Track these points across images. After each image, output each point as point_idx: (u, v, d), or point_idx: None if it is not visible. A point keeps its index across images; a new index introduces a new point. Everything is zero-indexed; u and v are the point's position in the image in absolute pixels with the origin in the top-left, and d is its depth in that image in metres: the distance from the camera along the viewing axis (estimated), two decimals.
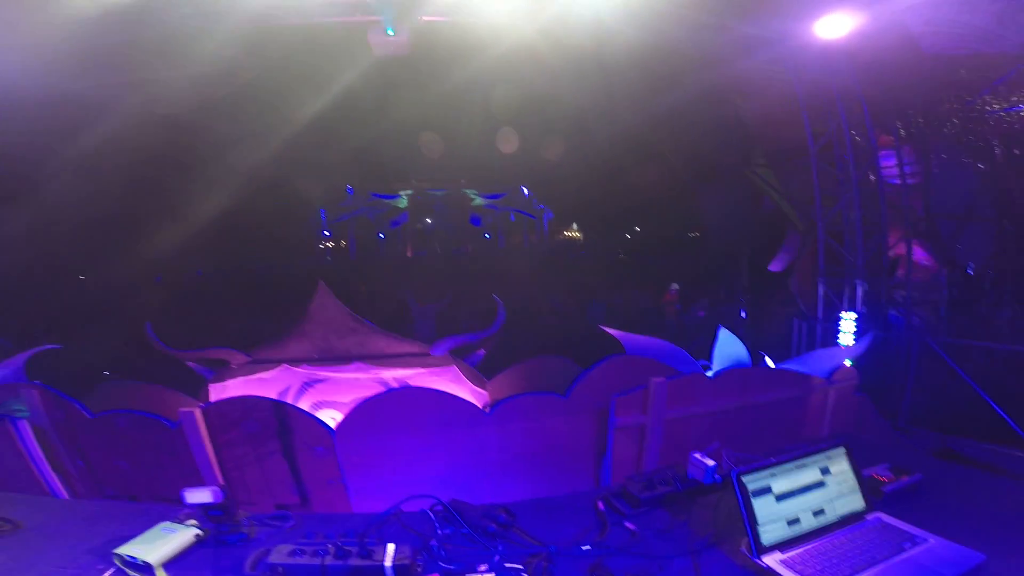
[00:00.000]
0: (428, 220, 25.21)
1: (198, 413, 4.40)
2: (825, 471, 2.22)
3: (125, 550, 2.09)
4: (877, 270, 8.64)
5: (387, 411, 4.71)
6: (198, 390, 6.15)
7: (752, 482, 2.10)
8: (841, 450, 2.28)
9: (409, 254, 24.06)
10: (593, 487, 4.88)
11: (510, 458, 4.94)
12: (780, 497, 2.12)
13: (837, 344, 8.62)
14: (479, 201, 24.90)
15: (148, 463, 4.86)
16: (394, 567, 2.01)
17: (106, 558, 2.14)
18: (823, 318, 9.13)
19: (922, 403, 7.85)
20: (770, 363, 6.88)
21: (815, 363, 5.74)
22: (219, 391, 6.06)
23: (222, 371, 6.35)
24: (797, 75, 8.23)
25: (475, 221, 24.83)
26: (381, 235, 24.35)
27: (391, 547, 2.09)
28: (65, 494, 4.96)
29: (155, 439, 4.67)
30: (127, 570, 2.08)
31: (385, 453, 4.78)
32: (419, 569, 2.06)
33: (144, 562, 2.05)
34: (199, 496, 2.30)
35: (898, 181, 9.11)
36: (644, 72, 9.05)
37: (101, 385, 6.01)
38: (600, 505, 2.54)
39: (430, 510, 2.55)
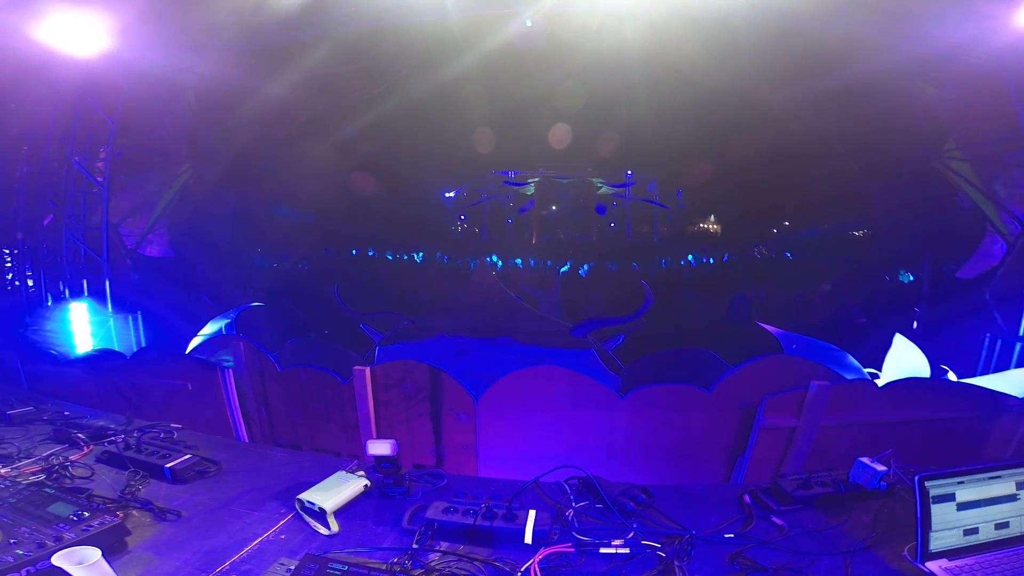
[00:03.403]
0: (553, 207, 25.42)
1: (368, 372, 4.96)
2: (1022, 486, 2.06)
3: (306, 496, 2.42)
4: None
5: (525, 386, 4.95)
6: (366, 351, 6.93)
7: (936, 488, 2.00)
8: None
9: (534, 240, 24.47)
10: (723, 484, 4.71)
11: (638, 445, 4.93)
12: (963, 506, 2.01)
13: None
14: (605, 190, 24.59)
15: (317, 415, 5.54)
16: (534, 532, 2.17)
17: (288, 503, 2.49)
18: None
19: None
20: (953, 377, 6.03)
21: (1012, 382, 4.95)
22: (385, 353, 6.77)
23: (389, 334, 7.09)
24: (1006, 62, 6.98)
25: (600, 210, 24.54)
26: (509, 220, 25.08)
27: (532, 513, 2.25)
28: (246, 438, 5.68)
29: (328, 393, 5.34)
30: (304, 515, 2.40)
31: (517, 426, 5.03)
32: (555, 537, 2.20)
33: (320, 508, 2.36)
34: (380, 448, 2.55)
35: None
36: (796, 54, 8.24)
37: (290, 341, 6.99)
38: (746, 498, 2.49)
39: (565, 482, 2.68)
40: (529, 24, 7.02)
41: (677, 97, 12.01)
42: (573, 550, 2.12)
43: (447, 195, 24.20)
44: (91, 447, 3.07)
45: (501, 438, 5.05)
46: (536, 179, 24.57)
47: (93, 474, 2.74)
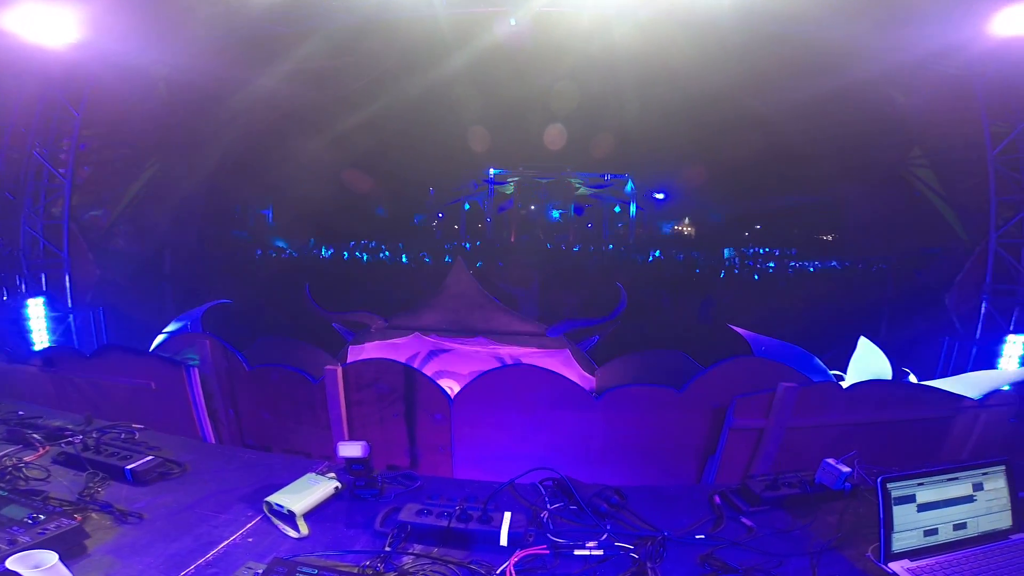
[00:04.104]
0: (532, 207, 25.67)
1: (339, 371, 4.89)
2: (978, 487, 2.14)
3: (274, 499, 2.37)
4: None
5: (501, 386, 4.94)
6: (338, 350, 6.83)
7: (897, 489, 2.05)
8: (1001, 469, 2.17)
9: (512, 239, 24.62)
10: (694, 484, 4.78)
11: (613, 446, 4.97)
12: (923, 507, 2.07)
13: (996, 367, 7.60)
14: (584, 190, 24.94)
15: (288, 416, 5.42)
16: (509, 535, 2.16)
17: (255, 505, 2.44)
18: (981, 338, 8.06)
19: None
20: (914, 379, 6.25)
21: (968, 385, 5.13)
22: (357, 352, 6.68)
23: (361, 334, 7.00)
24: (975, 70, 7.22)
25: (578, 210, 24.88)
26: (488, 219, 25.19)
27: (507, 515, 2.24)
28: (213, 439, 5.51)
29: (299, 393, 5.23)
30: (272, 517, 2.35)
31: (493, 426, 5.01)
32: (531, 539, 2.20)
33: (289, 511, 2.31)
34: (351, 450, 2.52)
35: None
36: (782, 60, 8.41)
37: (259, 340, 6.84)
38: (716, 499, 2.53)
39: (540, 484, 2.68)
40: (513, 23, 7.01)
41: (661, 100, 12.17)
42: (548, 552, 2.12)
43: (425, 193, 24.18)
44: (47, 448, 2.94)
45: (476, 439, 5.03)
46: (516, 178, 24.69)
47: (49, 476, 2.64)
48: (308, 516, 2.37)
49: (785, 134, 12.29)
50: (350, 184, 16.49)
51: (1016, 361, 7.56)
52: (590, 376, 6.69)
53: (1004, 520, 2.16)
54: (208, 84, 9.14)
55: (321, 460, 2.96)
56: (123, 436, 3.09)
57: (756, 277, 16.07)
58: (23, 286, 8.31)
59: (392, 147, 15.78)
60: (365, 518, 2.39)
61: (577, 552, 2.12)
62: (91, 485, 2.54)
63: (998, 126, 7.64)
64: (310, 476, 2.59)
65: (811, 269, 15.68)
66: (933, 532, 2.07)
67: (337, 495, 2.55)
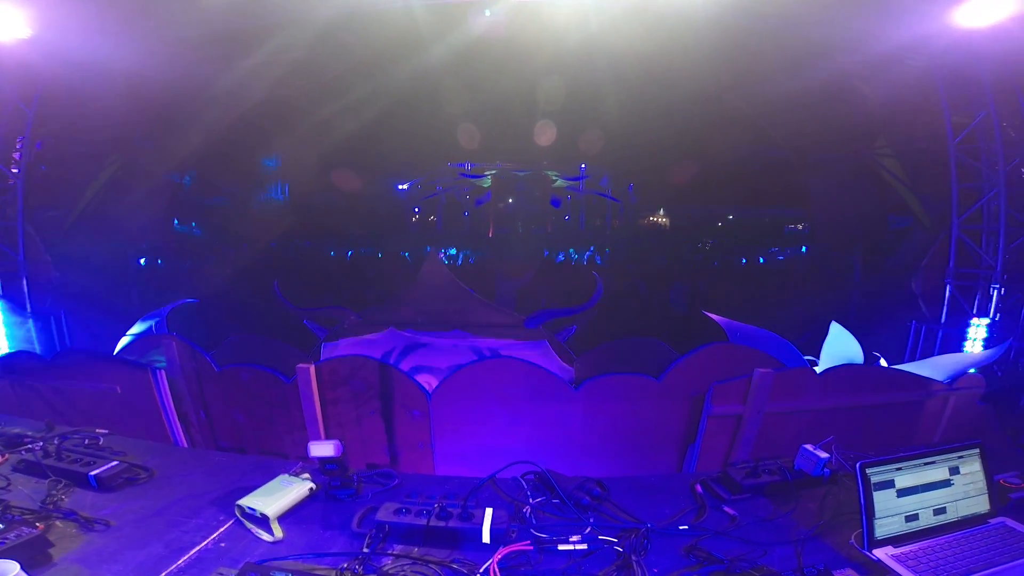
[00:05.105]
0: (510, 200, 25.61)
1: (312, 369, 4.76)
2: (954, 471, 2.16)
3: (246, 502, 2.29)
4: (1017, 275, 7.72)
5: (479, 379, 4.87)
6: (311, 348, 6.69)
7: (876, 475, 2.05)
8: (975, 452, 2.19)
9: (490, 233, 24.56)
10: (675, 474, 4.80)
11: (593, 436, 4.95)
12: (902, 492, 2.08)
13: (962, 351, 7.84)
14: (560, 183, 24.97)
15: (261, 417, 5.28)
16: (492, 531, 2.12)
17: (227, 509, 2.36)
18: (946, 322, 8.31)
19: None
20: (884, 364, 6.40)
21: (937, 368, 5.27)
22: (331, 349, 6.54)
23: (335, 330, 6.87)
24: (937, 62, 7.38)
25: (555, 203, 24.92)
26: (466, 213, 25.08)
27: (489, 511, 2.20)
28: (185, 443, 5.35)
29: (271, 393, 5.10)
30: (245, 521, 2.28)
31: (473, 421, 4.96)
32: (513, 535, 2.16)
33: (262, 514, 2.24)
34: (322, 449, 2.44)
35: None
36: (756, 54, 8.49)
37: (228, 339, 6.65)
38: (698, 488, 2.53)
39: (522, 478, 2.64)
40: (488, 14, 6.92)
41: (637, 94, 12.18)
42: (532, 548, 2.08)
43: (401, 187, 23.92)
44: (6, 456, 2.82)
45: (456, 434, 4.97)
46: (493, 171, 24.58)
47: (9, 484, 2.54)
48: (282, 519, 2.31)
49: (760, 127, 12.46)
50: (322, 178, 16.18)
51: (980, 344, 7.80)
52: (569, 366, 6.68)
53: (982, 504, 2.18)
54: (172, 80, 8.83)
55: (296, 461, 2.88)
56: (86, 442, 2.98)
57: (730, 265, 16.36)
58: None
59: (365, 141, 15.51)
60: (342, 519, 2.33)
61: (561, 547, 2.09)
62: (54, 493, 2.44)
63: (959, 116, 7.84)
64: (283, 478, 2.52)
65: (781, 257, 16.01)
66: (914, 518, 2.09)
67: (312, 496, 2.49)
